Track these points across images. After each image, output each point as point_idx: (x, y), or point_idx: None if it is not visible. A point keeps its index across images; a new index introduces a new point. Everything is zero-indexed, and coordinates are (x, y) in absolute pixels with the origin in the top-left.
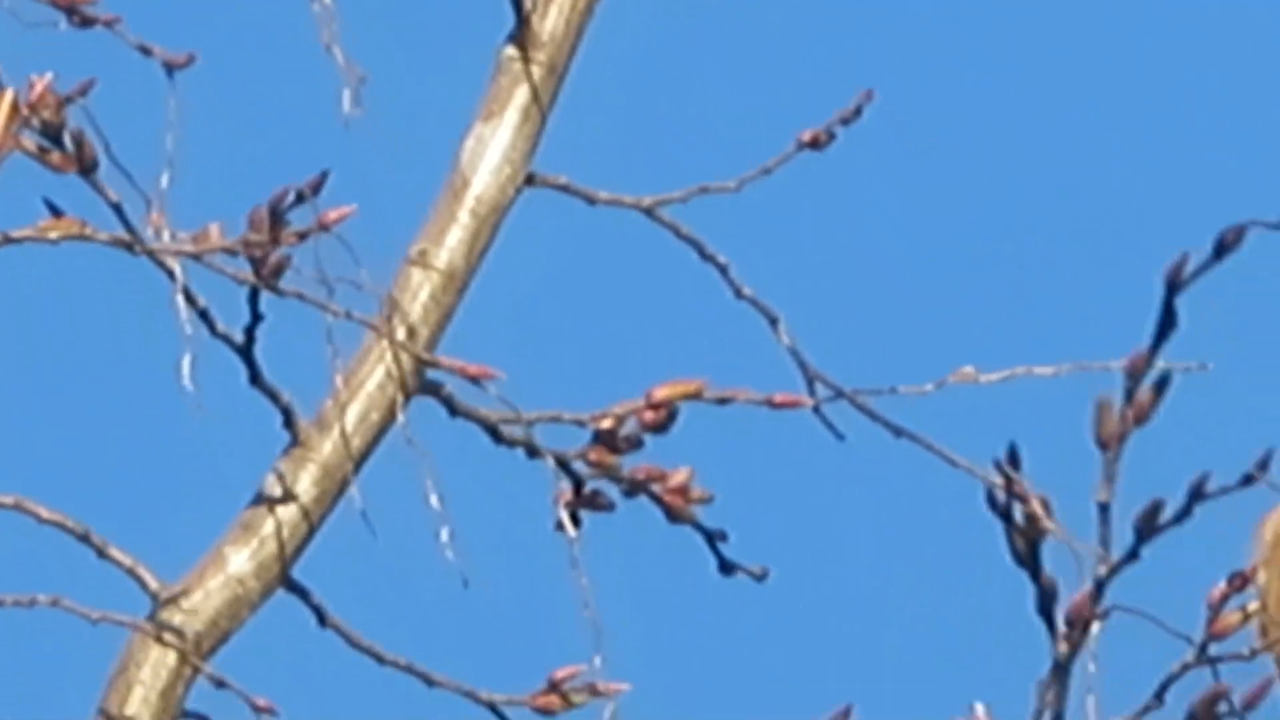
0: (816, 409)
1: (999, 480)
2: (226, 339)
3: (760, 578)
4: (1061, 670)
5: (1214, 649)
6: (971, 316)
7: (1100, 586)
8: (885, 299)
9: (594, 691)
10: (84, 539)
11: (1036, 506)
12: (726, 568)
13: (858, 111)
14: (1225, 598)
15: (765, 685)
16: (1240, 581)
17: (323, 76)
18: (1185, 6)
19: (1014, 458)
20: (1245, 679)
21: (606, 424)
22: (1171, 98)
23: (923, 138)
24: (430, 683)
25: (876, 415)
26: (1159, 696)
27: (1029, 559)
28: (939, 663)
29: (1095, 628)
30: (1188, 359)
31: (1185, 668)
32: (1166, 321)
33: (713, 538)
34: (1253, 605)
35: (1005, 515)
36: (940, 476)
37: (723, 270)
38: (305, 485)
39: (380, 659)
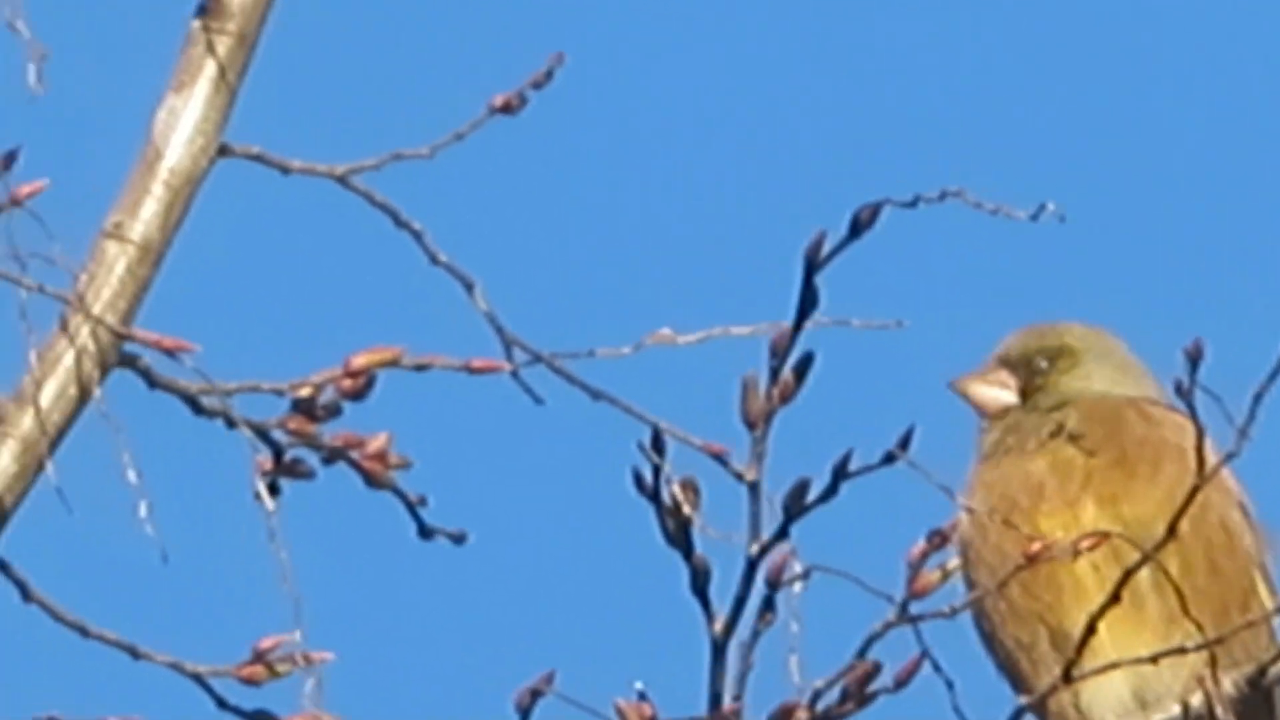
0: (515, 373)
1: (647, 463)
2: None
3: (459, 540)
4: (719, 650)
5: (915, 607)
6: (668, 278)
7: (752, 565)
8: (581, 263)
9: (299, 661)
10: None
11: (679, 491)
12: (426, 532)
13: (548, 75)
14: (925, 556)
15: (467, 648)
16: (939, 540)
17: (8, 50)
18: None
19: (658, 442)
20: (946, 636)
21: (305, 392)
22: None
23: (614, 99)
24: (136, 655)
25: (574, 379)
26: (861, 655)
27: (680, 540)
28: (629, 629)
29: (798, 588)
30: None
31: (888, 626)
32: (807, 300)
33: (412, 503)
34: (952, 562)
35: (654, 498)
36: (640, 438)
37: (417, 236)
38: (5, 462)
39: (85, 633)
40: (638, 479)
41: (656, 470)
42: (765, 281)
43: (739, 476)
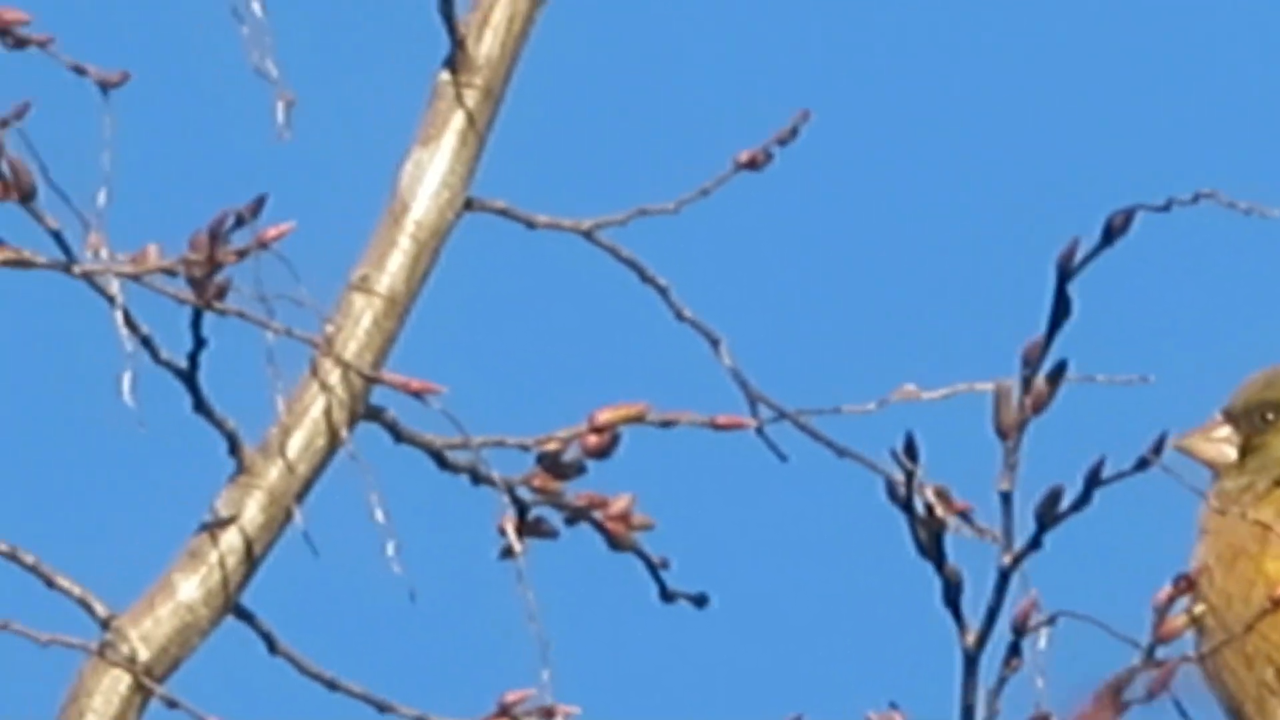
0: (760, 430)
1: (899, 474)
2: (169, 365)
3: (700, 604)
4: (971, 663)
5: (1160, 652)
6: (913, 334)
7: (1005, 576)
8: (826, 319)
9: (547, 714)
10: (32, 569)
11: (934, 498)
12: (668, 595)
13: (794, 132)
14: (1171, 601)
15: (712, 703)
16: (1186, 585)
17: (259, 96)
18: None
19: (911, 449)
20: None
21: (550, 448)
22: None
23: (859, 157)
24: (381, 708)
25: (820, 435)
26: (1114, 699)
27: (932, 550)
28: (881, 683)
29: (1044, 634)
30: (1083, 345)
31: (1133, 672)
32: (1060, 309)
33: (654, 565)
34: (1198, 608)
35: (906, 507)
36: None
37: (663, 292)
38: (252, 512)
39: (331, 685)
40: (890, 488)
41: (909, 477)
42: (1011, 337)
43: (980, 532)
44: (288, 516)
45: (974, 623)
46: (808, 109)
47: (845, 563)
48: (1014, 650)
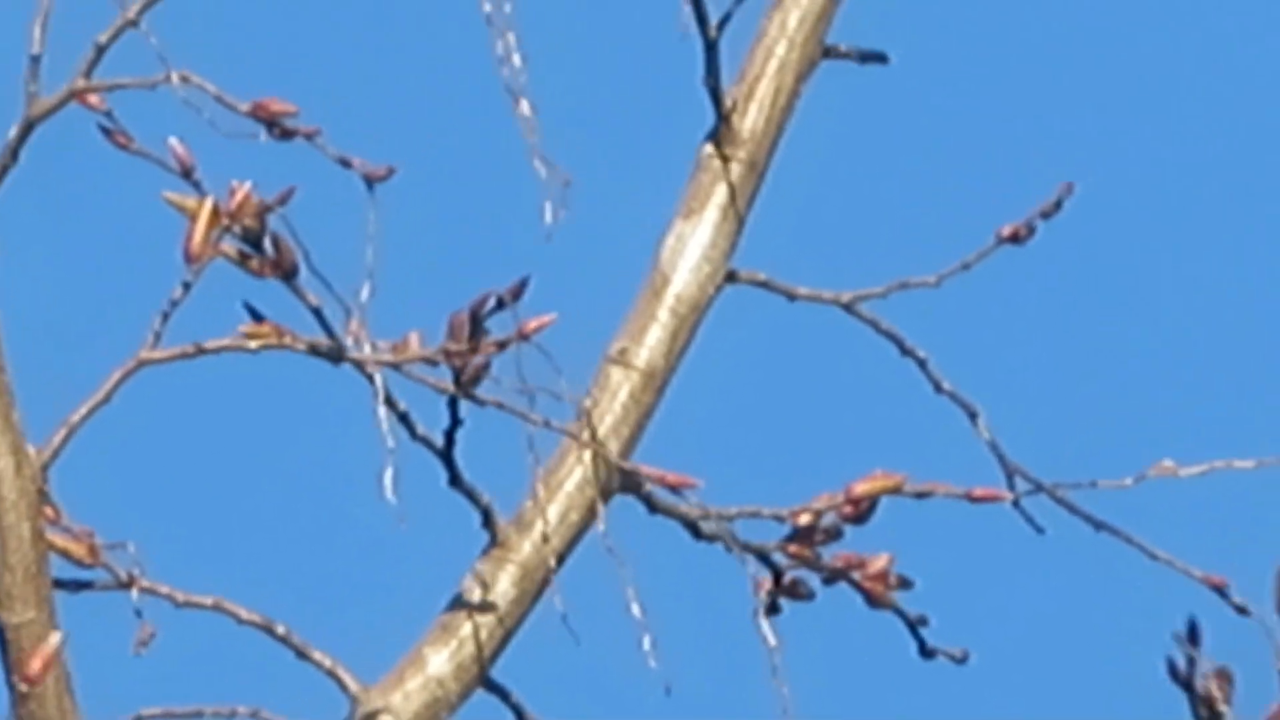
0: (1016, 503)
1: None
2: (426, 442)
3: (961, 661)
4: None
5: None
6: (1170, 410)
7: None
8: (1083, 392)
9: None
10: (284, 640)
11: (1214, 687)
12: (927, 652)
13: (1058, 205)
14: None
15: None
16: None
17: (526, 182)
18: None
19: (1194, 633)
20: None
21: (805, 519)
22: None
23: (1119, 230)
24: None
25: (1076, 509)
26: None
27: None
28: None
29: None
30: None
31: None
32: None
33: (913, 623)
34: None
35: (1187, 686)
36: (1141, 570)
37: (922, 364)
38: (504, 586)
39: None
40: (1172, 667)
41: (1190, 660)
42: (1271, 414)
43: (1240, 610)
44: (540, 590)
45: None
46: (1071, 182)
47: (1100, 635)
48: None
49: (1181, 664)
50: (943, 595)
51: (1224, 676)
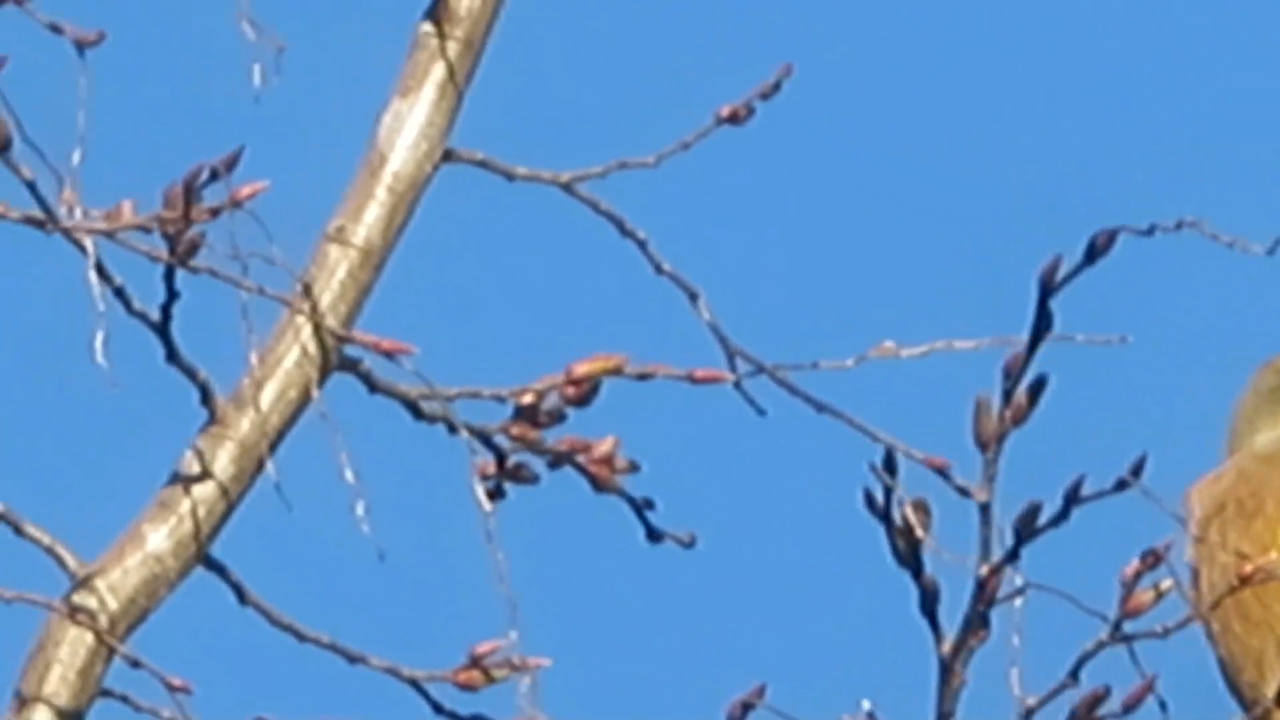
0: (738, 384)
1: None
2: (142, 316)
3: (688, 545)
4: (947, 671)
5: (1128, 626)
6: (890, 290)
7: (982, 586)
8: (805, 274)
9: (515, 666)
10: (1, 518)
11: (911, 514)
12: (654, 535)
13: (776, 86)
14: (1138, 575)
15: (684, 657)
16: (1153, 559)
17: (236, 51)
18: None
19: (890, 463)
20: (1158, 656)
21: (528, 399)
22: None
23: (838, 113)
24: (352, 660)
25: (797, 390)
26: (1074, 675)
27: (910, 560)
28: (851, 638)
29: (1018, 603)
30: (1064, 364)
31: (1100, 645)
32: (1041, 322)
33: (640, 506)
34: (1166, 582)
35: (885, 518)
36: (861, 450)
37: (642, 245)
38: (223, 463)
39: (301, 636)
40: (869, 499)
41: (888, 491)
42: (992, 298)
43: (962, 491)
44: (259, 467)
45: (950, 631)
46: (790, 63)
47: (820, 519)
48: (983, 621)
49: (879, 496)
50: (667, 479)
51: (922, 508)
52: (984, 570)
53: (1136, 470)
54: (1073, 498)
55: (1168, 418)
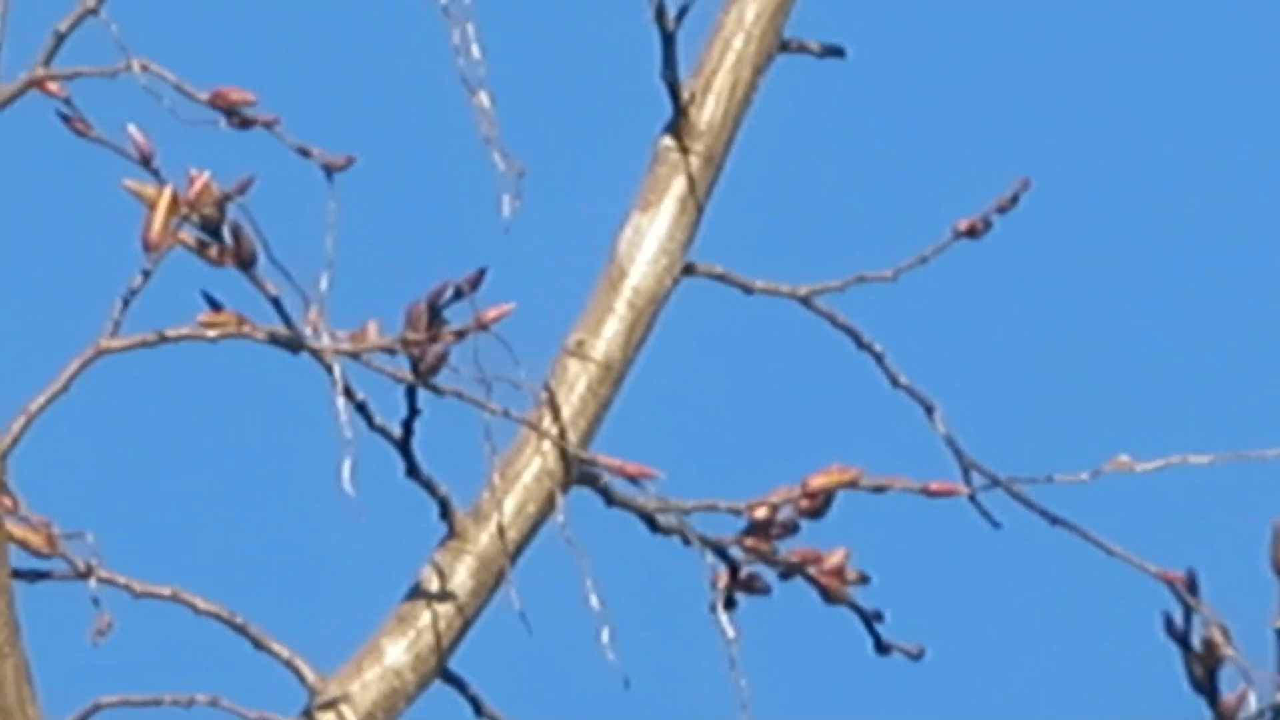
0: (972, 497)
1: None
2: (384, 432)
3: (916, 657)
4: None
5: None
6: (1127, 405)
7: (1276, 715)
8: (1040, 387)
9: None
10: (241, 630)
11: (1215, 634)
12: (882, 648)
13: (1014, 199)
14: None
15: None
16: None
17: (483, 173)
18: None
19: (1192, 583)
20: None
21: (761, 513)
22: None
23: (1077, 228)
24: None
25: (1032, 504)
26: None
27: (1206, 684)
28: None
29: None
30: None
31: None
32: None
33: (869, 618)
34: None
35: (1183, 641)
36: (1097, 565)
37: (878, 358)
38: (462, 577)
39: None
40: (1168, 623)
41: (1188, 613)
42: (1229, 410)
43: (1190, 609)
44: (497, 582)
45: None
46: (1028, 177)
47: (1055, 631)
48: None
49: (1178, 619)
50: (899, 590)
51: (1225, 631)
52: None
53: None
54: None
55: None
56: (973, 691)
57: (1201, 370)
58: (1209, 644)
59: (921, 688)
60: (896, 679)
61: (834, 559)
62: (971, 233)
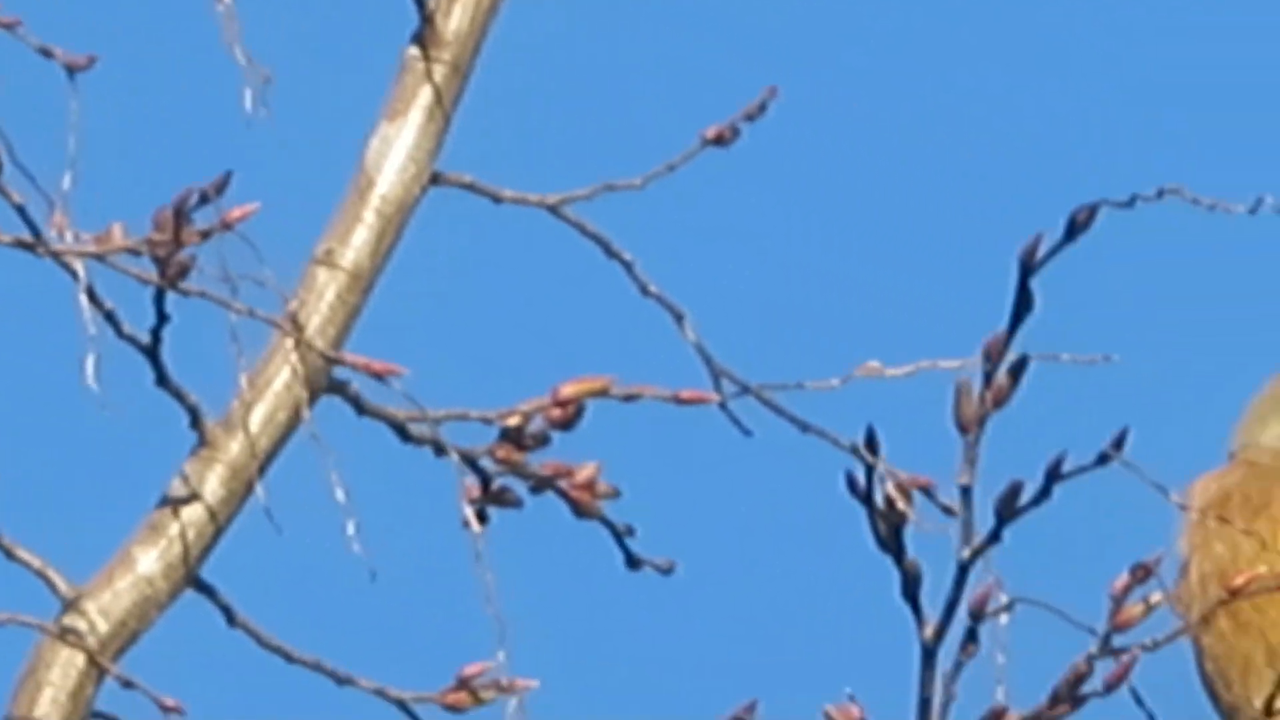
0: (723, 405)
1: (862, 450)
2: (132, 340)
3: (666, 572)
4: (929, 656)
5: (1117, 640)
6: (878, 313)
7: (964, 569)
8: (790, 294)
9: (502, 688)
10: None
11: (894, 491)
12: (633, 562)
13: (762, 108)
14: (1128, 589)
15: (671, 678)
16: (1143, 573)
17: (226, 76)
18: None
19: (872, 442)
20: (1147, 670)
21: (513, 421)
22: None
23: (826, 134)
24: (340, 681)
25: (783, 411)
26: (1071, 692)
27: (892, 543)
28: (839, 654)
29: (1003, 619)
30: (1045, 341)
31: (1091, 660)
32: (1022, 303)
33: (619, 533)
34: (1155, 595)
35: (866, 500)
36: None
37: (628, 267)
38: (212, 486)
39: (289, 657)
40: (850, 481)
41: (869, 471)
42: (977, 317)
43: (947, 510)
44: (249, 490)
45: (933, 615)
46: (775, 85)
47: (806, 540)
48: (971, 636)
49: (860, 477)
50: (652, 498)
51: (904, 489)
52: (966, 553)
53: (1118, 444)
54: (1054, 474)
55: (1154, 401)
56: (726, 599)
57: (949, 275)
58: (890, 502)
59: (678, 595)
60: (653, 587)
61: (585, 472)
62: (719, 140)
